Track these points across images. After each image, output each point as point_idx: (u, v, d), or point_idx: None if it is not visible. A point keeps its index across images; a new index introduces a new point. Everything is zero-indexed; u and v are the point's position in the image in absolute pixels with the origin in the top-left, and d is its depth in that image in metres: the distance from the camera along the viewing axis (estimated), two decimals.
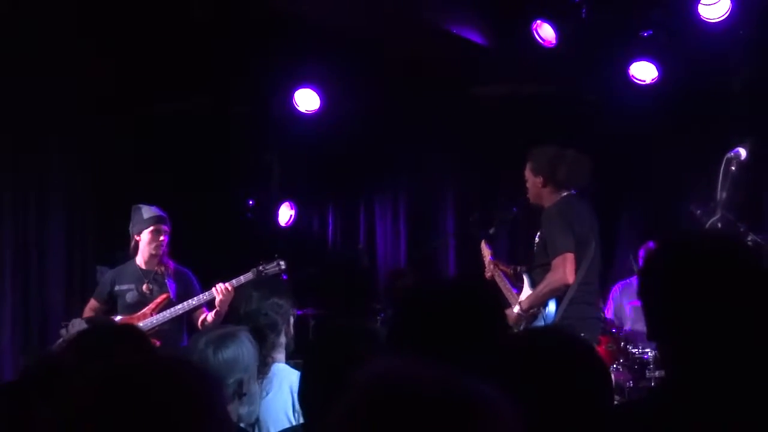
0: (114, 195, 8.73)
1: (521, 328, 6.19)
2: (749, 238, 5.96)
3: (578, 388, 2.19)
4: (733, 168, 6.07)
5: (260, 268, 6.78)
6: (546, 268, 6.27)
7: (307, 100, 9.24)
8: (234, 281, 6.70)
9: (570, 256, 6.09)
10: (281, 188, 10.29)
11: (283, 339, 4.59)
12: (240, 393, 3.75)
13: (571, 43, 8.13)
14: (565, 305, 6.12)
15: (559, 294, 6.15)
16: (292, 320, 4.71)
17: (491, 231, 7.85)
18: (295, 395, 4.12)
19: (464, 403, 1.32)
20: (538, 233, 6.46)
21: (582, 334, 5.77)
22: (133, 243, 7.07)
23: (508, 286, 6.73)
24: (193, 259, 7.34)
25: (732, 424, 2.04)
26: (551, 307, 6.19)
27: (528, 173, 6.58)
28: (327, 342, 3.14)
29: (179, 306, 6.85)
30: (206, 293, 6.83)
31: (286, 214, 10.16)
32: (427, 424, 1.29)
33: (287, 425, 4.12)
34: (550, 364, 2.21)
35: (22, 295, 8.19)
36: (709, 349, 2.12)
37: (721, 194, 6.06)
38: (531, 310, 6.27)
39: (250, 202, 10.10)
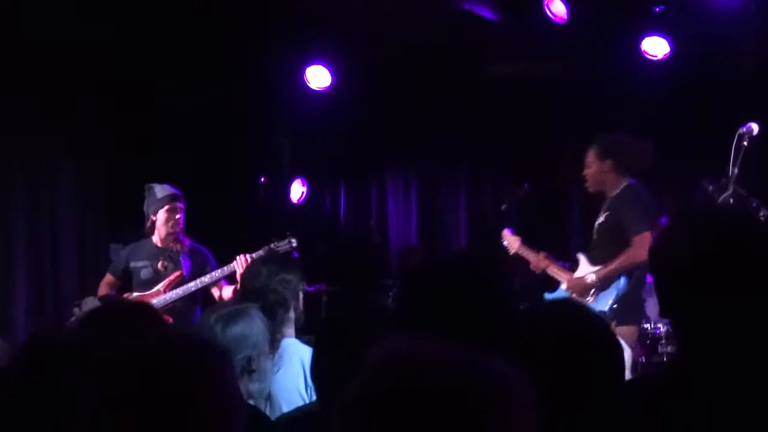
0: (125, 174, 8.74)
1: (590, 296, 6.35)
2: (761, 214, 5.95)
3: (589, 362, 2.19)
4: (745, 143, 6.06)
5: (272, 245, 6.79)
6: (611, 247, 6.33)
7: (318, 77, 9.22)
8: (253, 255, 6.71)
9: (651, 236, 6.14)
10: (293, 165, 10.30)
11: (292, 314, 4.59)
12: (249, 369, 3.76)
13: (583, 18, 8.10)
14: (635, 280, 6.22)
15: (635, 269, 6.22)
16: (301, 295, 4.71)
17: (503, 207, 7.86)
18: (307, 369, 4.14)
19: (481, 383, 1.32)
20: (602, 215, 6.51)
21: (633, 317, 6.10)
22: (149, 223, 7.08)
23: (557, 262, 6.79)
24: (204, 236, 7.36)
25: (743, 401, 2.04)
26: (623, 280, 6.26)
27: (593, 158, 6.59)
28: (339, 319, 3.15)
29: (191, 283, 6.88)
30: (218, 271, 6.84)
31: (297, 191, 10.17)
32: (442, 406, 1.29)
33: (299, 401, 4.12)
34: (560, 339, 2.21)
35: (36, 275, 8.22)
36: (721, 327, 2.11)
37: (733, 170, 6.05)
38: (606, 281, 6.33)
39: (262, 179, 10.11)
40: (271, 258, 4.85)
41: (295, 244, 6.82)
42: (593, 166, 6.60)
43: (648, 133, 8.74)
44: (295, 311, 4.62)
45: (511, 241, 7.14)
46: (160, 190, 7.04)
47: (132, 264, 7.09)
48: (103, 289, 7.21)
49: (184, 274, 6.96)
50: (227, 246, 7.40)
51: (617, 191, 6.49)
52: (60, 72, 8.15)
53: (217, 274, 6.85)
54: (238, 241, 7.78)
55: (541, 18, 8.08)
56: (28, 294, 8.10)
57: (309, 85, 9.24)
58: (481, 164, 10.03)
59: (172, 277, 6.94)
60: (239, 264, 6.66)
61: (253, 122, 9.76)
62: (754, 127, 6.10)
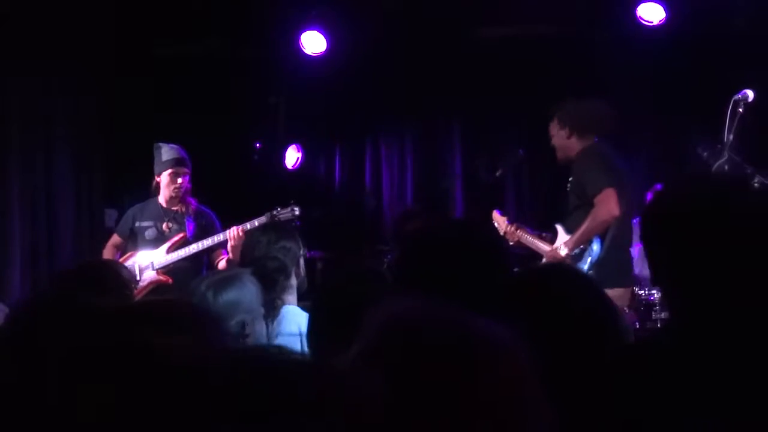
0: (120, 137, 8.74)
1: None
2: (756, 180, 5.96)
3: (585, 324, 2.21)
4: (741, 110, 6.07)
5: (274, 212, 6.80)
6: (580, 211, 6.29)
7: (313, 43, 9.18)
8: (248, 224, 6.72)
9: (611, 191, 6.08)
10: (288, 131, 10.28)
11: (293, 281, 4.62)
12: (243, 335, 3.78)
13: None
14: (608, 243, 6.15)
15: (605, 228, 6.14)
16: (302, 262, 4.73)
17: (498, 173, 7.87)
18: (303, 336, 4.17)
19: (473, 342, 1.33)
20: (570, 180, 6.47)
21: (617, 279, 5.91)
22: (154, 183, 7.16)
23: (535, 237, 6.75)
24: (198, 202, 7.37)
25: (737, 367, 2.03)
26: (595, 246, 6.20)
27: (554, 128, 6.59)
28: (334, 285, 3.16)
29: (193, 245, 6.94)
30: (221, 234, 6.88)
31: (292, 156, 10.15)
32: (444, 367, 1.29)
33: None
34: (555, 302, 2.23)
35: (31, 239, 8.21)
36: (714, 294, 2.09)
37: (728, 136, 6.07)
38: (580, 247, 6.28)
39: (257, 145, 10.10)
40: (270, 226, 4.86)
41: (297, 213, 6.81)
42: (555, 137, 6.59)
43: (643, 99, 8.79)
44: (297, 278, 4.65)
45: (500, 222, 7.08)
46: (166, 152, 7.09)
47: (137, 224, 7.19)
48: (108, 251, 7.30)
49: (188, 236, 7.03)
50: (222, 211, 7.41)
51: (578, 154, 6.45)
52: (55, 34, 8.12)
53: (219, 237, 6.88)
54: (233, 206, 7.80)
55: None
56: (23, 258, 8.10)
57: (304, 50, 9.20)
58: (476, 129, 10.01)
59: (175, 238, 7.01)
60: (231, 236, 6.69)
61: (248, 88, 9.73)
62: (750, 94, 6.12)
